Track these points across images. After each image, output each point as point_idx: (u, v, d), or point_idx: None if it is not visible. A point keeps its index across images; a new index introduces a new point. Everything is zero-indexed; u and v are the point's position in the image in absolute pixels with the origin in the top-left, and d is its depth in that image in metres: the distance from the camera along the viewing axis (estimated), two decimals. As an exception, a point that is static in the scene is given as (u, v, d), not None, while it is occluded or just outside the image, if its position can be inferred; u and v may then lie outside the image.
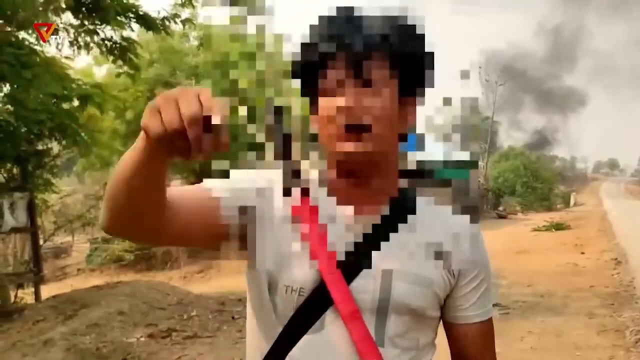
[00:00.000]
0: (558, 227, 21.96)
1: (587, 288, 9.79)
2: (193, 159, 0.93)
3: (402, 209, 1.24)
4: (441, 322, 1.32)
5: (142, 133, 0.96)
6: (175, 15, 8.80)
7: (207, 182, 1.23)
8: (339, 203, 1.23)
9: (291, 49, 1.24)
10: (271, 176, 1.26)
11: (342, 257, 1.18)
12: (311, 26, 1.18)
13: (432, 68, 1.20)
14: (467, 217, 1.31)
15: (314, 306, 1.18)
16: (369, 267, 1.18)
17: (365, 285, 1.18)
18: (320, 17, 1.17)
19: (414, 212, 1.25)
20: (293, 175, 1.27)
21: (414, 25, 1.18)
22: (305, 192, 1.24)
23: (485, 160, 38.92)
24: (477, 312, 1.30)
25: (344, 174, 1.21)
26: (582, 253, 14.51)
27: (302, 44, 1.19)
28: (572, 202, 45.07)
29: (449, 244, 1.25)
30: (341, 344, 1.17)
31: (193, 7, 9.21)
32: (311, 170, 1.28)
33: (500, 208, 35.54)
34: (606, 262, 12.75)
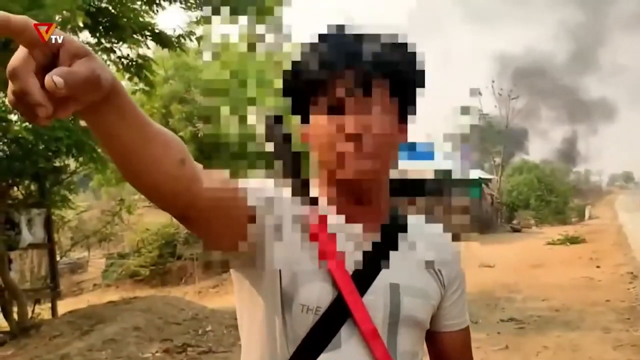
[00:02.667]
0: (573, 240, 21.76)
1: (602, 302, 9.71)
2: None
3: (397, 224, 1.27)
4: None
5: None
6: (191, 33, 8.89)
7: (242, 181, 1.12)
8: (346, 221, 1.23)
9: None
10: (286, 193, 1.25)
11: (354, 274, 1.18)
12: (303, 49, 1.18)
13: (423, 86, 1.20)
14: (441, 225, 1.34)
15: (331, 324, 1.17)
16: (387, 266, 1.20)
17: (376, 301, 1.19)
18: (312, 44, 1.17)
19: (406, 227, 1.28)
20: (304, 192, 1.26)
21: (405, 44, 1.18)
22: (322, 210, 1.23)
23: (499, 174, 38.66)
24: (459, 321, 1.36)
25: (344, 194, 1.22)
26: (598, 267, 14.38)
27: (299, 62, 1.18)
28: (587, 215, 44.62)
29: (436, 255, 1.28)
30: None
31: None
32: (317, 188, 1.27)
33: (515, 222, 35.28)
34: (622, 276, 12.64)
